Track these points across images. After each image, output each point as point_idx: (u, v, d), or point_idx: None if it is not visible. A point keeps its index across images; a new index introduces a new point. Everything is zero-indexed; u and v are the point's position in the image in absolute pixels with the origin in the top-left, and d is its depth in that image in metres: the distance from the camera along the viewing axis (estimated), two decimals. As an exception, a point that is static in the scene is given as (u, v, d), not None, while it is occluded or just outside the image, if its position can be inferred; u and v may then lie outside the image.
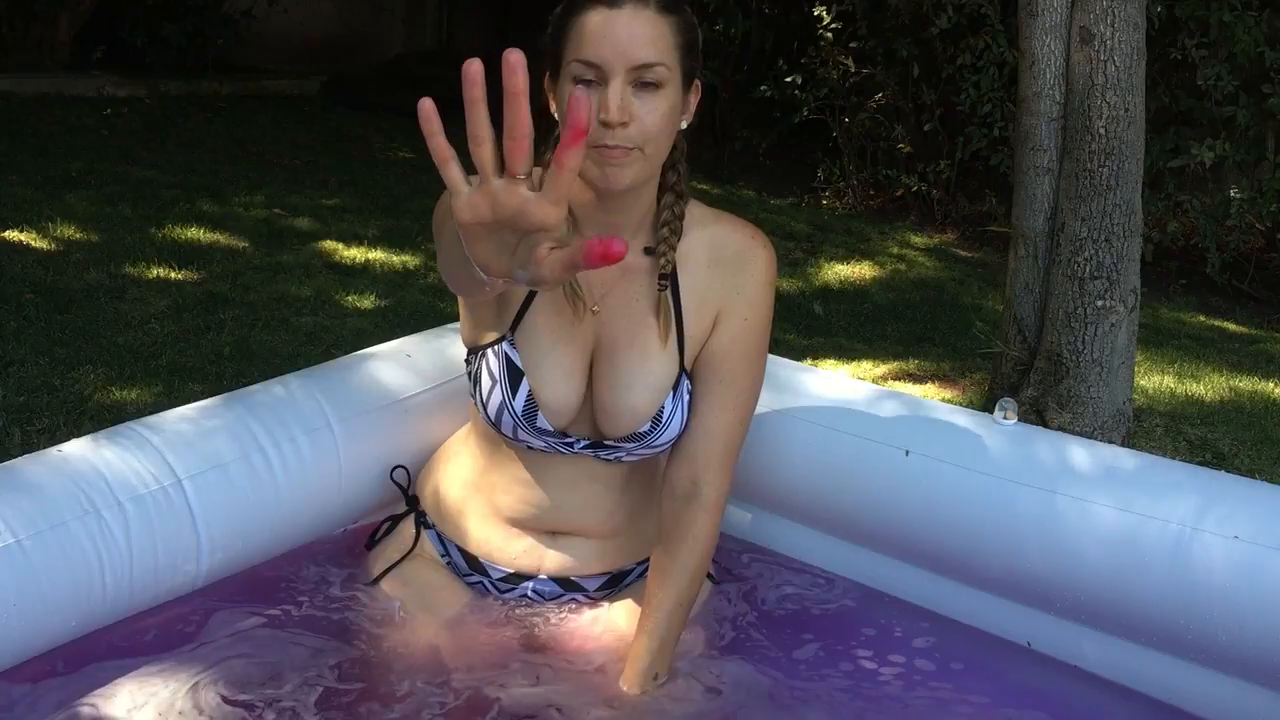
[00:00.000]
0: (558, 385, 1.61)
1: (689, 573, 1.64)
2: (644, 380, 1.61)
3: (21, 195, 4.91)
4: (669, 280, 1.62)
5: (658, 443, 1.65)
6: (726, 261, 1.65)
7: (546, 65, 1.54)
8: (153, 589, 1.67)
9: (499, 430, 1.65)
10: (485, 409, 1.64)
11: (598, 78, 1.46)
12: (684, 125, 1.56)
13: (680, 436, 1.67)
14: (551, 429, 1.62)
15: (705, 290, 1.64)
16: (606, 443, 1.65)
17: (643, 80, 1.46)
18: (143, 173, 5.62)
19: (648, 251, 1.63)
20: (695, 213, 1.66)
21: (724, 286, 1.64)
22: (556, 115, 1.54)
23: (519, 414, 1.61)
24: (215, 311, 3.81)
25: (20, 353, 3.28)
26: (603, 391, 1.62)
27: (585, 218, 1.60)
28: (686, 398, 1.65)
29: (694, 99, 1.56)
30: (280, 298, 4.04)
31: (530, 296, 1.62)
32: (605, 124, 1.45)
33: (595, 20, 1.46)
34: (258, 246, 4.67)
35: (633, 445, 1.64)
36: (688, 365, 1.65)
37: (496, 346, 1.63)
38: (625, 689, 1.59)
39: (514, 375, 1.61)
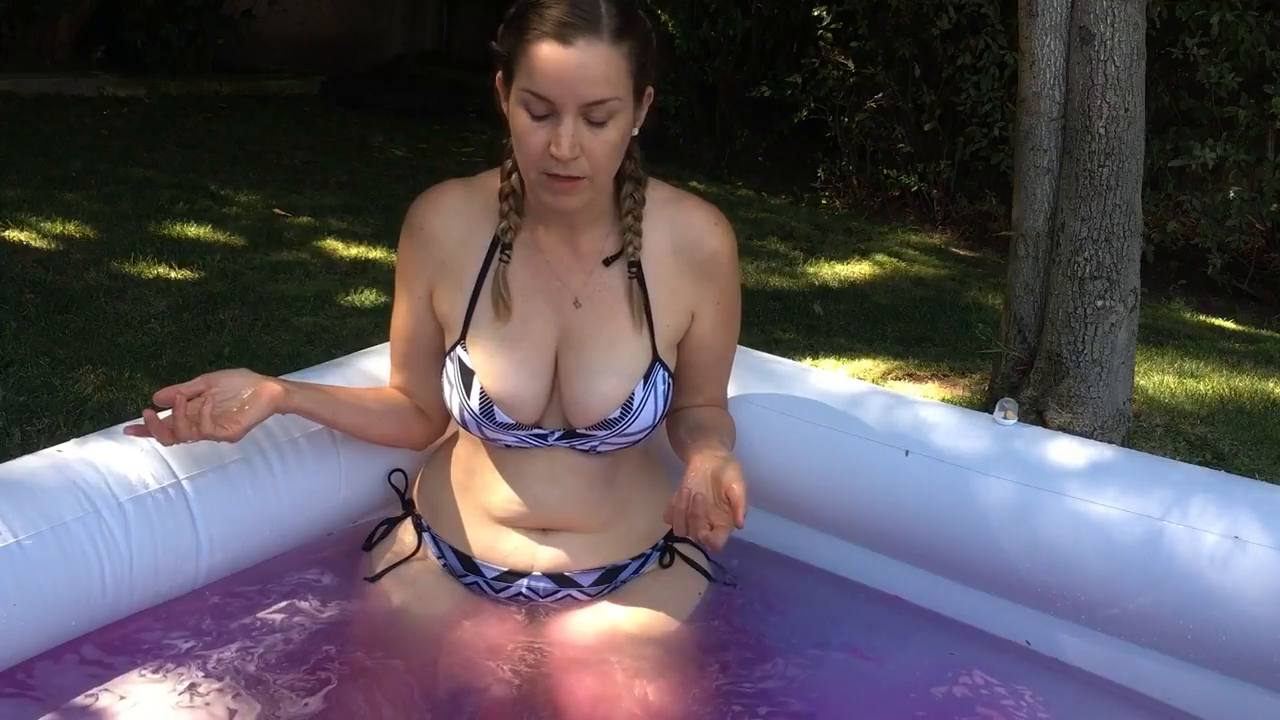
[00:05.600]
0: (509, 379, 1.64)
1: (729, 428, 1.76)
2: (612, 367, 1.65)
3: (21, 195, 4.91)
4: (637, 268, 1.65)
5: (630, 430, 1.66)
6: (692, 259, 1.68)
7: (499, 65, 1.55)
8: (153, 589, 1.67)
9: (468, 430, 1.70)
10: (452, 412, 1.70)
11: (549, 110, 1.48)
12: (635, 131, 1.58)
13: (683, 399, 1.76)
14: (513, 422, 1.65)
15: (674, 284, 1.68)
16: (579, 432, 1.66)
17: (593, 117, 1.48)
18: (142, 173, 5.62)
19: (608, 263, 1.66)
20: (653, 194, 1.69)
21: (694, 285, 1.69)
22: (507, 116, 1.56)
23: (476, 412, 1.65)
24: (215, 311, 3.82)
25: (20, 353, 3.28)
26: (570, 381, 1.65)
27: (544, 212, 1.63)
28: (660, 388, 1.68)
29: (645, 104, 1.57)
30: (280, 298, 4.04)
31: (474, 302, 1.67)
32: (556, 158, 1.48)
33: (546, 54, 1.46)
34: (258, 246, 4.67)
35: (605, 434, 1.66)
36: (662, 354, 1.68)
37: (452, 352, 1.68)
38: (706, 451, 1.59)
39: (466, 376, 1.66)
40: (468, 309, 1.67)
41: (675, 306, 1.68)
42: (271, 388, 1.64)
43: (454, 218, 1.69)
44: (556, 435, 1.67)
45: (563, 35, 1.45)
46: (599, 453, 1.70)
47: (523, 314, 1.66)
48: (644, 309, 1.66)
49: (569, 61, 1.45)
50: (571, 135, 1.47)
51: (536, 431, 1.67)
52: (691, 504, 1.47)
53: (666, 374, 1.69)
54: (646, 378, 1.66)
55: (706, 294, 1.70)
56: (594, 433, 1.66)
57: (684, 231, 1.68)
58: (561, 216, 1.63)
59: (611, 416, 1.65)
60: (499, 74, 1.56)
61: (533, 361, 1.65)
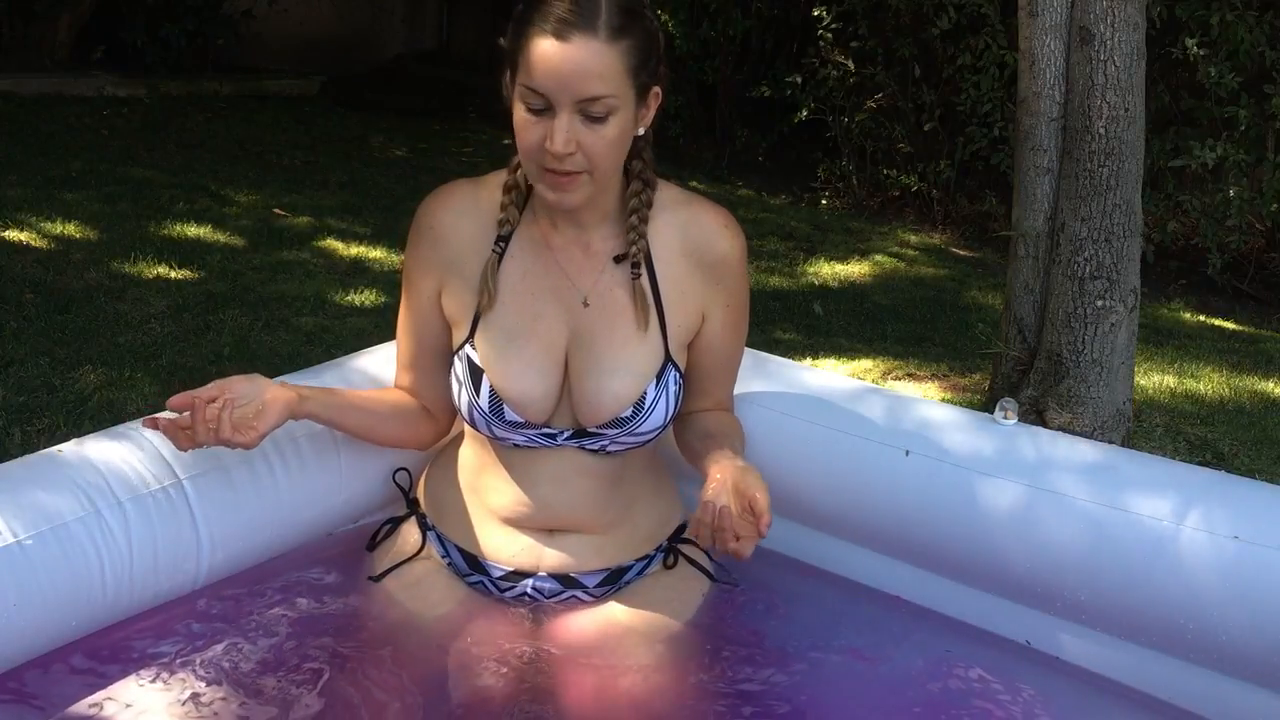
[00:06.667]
0: (519, 378, 1.64)
1: (739, 434, 1.77)
2: (625, 366, 1.65)
3: (21, 195, 4.90)
4: (640, 268, 1.65)
5: (641, 429, 1.66)
6: (702, 260, 1.69)
7: (505, 62, 1.56)
8: (153, 589, 1.67)
9: (477, 429, 1.70)
10: (460, 411, 1.70)
11: (545, 106, 1.49)
12: (641, 131, 1.58)
13: (690, 402, 1.76)
14: (522, 421, 1.65)
15: (684, 285, 1.68)
16: (590, 431, 1.66)
17: (590, 112, 1.49)
18: (142, 173, 5.62)
19: (618, 260, 1.66)
20: (664, 195, 1.69)
21: (704, 286, 1.69)
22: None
23: (486, 410, 1.65)
24: (215, 311, 3.82)
25: (20, 353, 3.28)
26: (581, 380, 1.65)
27: (551, 209, 1.64)
28: (672, 388, 1.67)
29: (653, 104, 1.58)
30: (280, 298, 4.04)
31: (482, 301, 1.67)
32: (551, 154, 1.49)
33: (543, 49, 1.47)
34: (258, 246, 4.67)
35: (615, 432, 1.66)
36: (674, 354, 1.68)
37: (460, 351, 1.68)
38: (723, 460, 1.57)
39: (475, 374, 1.66)
40: (476, 307, 1.67)
41: (686, 308, 1.69)
42: (286, 394, 1.65)
43: (463, 216, 1.69)
44: (566, 435, 1.67)
45: (560, 32, 1.47)
46: (608, 453, 1.70)
47: (532, 312, 1.66)
48: (655, 309, 1.66)
49: (564, 57, 1.46)
50: (566, 131, 1.48)
51: (546, 431, 1.67)
52: (718, 517, 1.47)
53: (678, 374, 1.69)
54: (659, 378, 1.66)
55: (716, 296, 1.70)
56: (605, 431, 1.66)
57: (694, 233, 1.68)
58: (567, 214, 1.63)
59: (623, 415, 1.65)
60: (506, 71, 1.56)
61: (542, 360, 1.65)
